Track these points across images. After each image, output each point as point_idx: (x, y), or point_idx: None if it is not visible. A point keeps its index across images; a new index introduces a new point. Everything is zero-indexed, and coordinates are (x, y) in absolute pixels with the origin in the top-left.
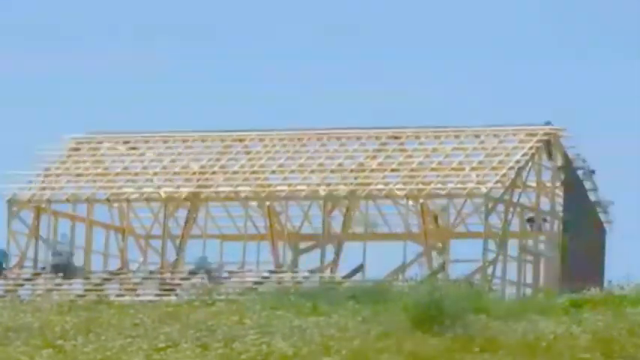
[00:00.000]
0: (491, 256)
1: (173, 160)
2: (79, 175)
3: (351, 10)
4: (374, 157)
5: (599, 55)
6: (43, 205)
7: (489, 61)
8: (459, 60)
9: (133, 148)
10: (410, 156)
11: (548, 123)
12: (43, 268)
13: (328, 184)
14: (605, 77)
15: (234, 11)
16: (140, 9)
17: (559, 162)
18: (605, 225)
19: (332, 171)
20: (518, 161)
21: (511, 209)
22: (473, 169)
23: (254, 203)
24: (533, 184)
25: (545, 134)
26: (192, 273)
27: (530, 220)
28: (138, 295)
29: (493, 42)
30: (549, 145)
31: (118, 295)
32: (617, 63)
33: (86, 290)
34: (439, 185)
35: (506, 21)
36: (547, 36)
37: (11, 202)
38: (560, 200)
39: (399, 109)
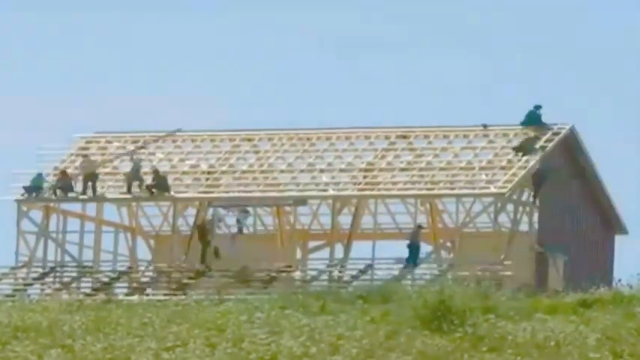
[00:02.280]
0: (500, 255)
1: (182, 160)
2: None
3: (356, 11)
4: (383, 157)
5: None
6: (52, 205)
7: (494, 60)
8: (462, 60)
9: (142, 148)
10: (419, 155)
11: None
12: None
13: (337, 184)
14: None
15: (240, 10)
16: (147, 9)
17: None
18: (613, 224)
19: (341, 170)
20: (527, 160)
21: (520, 208)
22: (482, 168)
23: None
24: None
25: (554, 134)
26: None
27: None
28: (147, 295)
29: (501, 41)
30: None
31: (126, 295)
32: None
33: (95, 289)
34: (448, 184)
35: (511, 21)
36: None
37: (20, 202)
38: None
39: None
